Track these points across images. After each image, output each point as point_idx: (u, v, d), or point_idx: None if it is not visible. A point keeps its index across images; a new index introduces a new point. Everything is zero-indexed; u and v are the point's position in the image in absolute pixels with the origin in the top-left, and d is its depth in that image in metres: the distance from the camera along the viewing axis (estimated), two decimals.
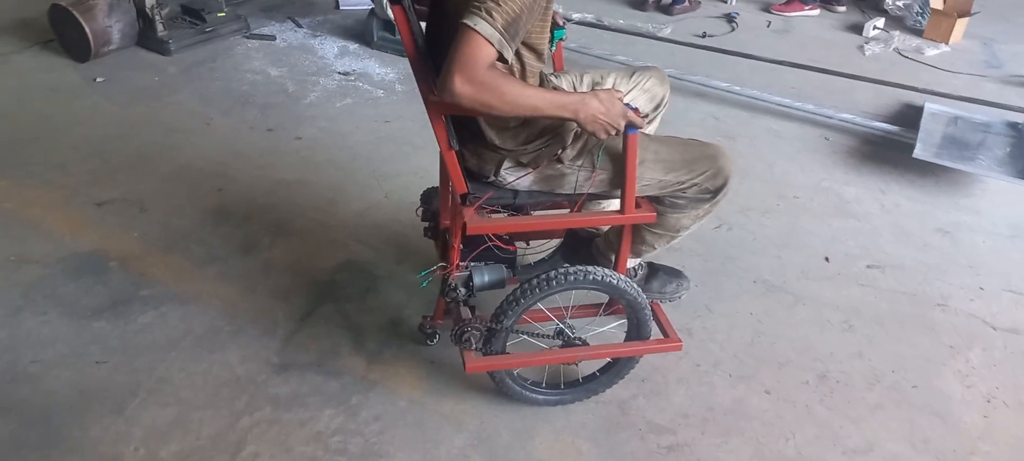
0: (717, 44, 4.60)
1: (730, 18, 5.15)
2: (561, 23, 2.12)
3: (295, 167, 3.24)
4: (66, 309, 2.42)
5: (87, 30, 3.98)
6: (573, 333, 2.06)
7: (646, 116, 2.20)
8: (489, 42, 1.53)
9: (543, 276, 1.90)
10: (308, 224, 2.86)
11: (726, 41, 4.75)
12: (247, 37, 4.59)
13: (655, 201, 1.97)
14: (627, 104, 1.75)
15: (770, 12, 5.33)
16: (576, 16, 4.96)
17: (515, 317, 1.95)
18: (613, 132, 1.74)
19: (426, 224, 2.29)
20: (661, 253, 2.15)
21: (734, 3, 5.46)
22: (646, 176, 1.89)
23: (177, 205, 2.94)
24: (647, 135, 1.99)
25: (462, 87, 1.55)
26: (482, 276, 1.98)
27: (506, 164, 1.89)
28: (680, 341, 2.12)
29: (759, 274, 2.70)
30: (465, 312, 2.00)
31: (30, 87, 3.88)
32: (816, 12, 5.33)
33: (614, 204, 1.98)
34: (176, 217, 2.88)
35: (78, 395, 2.12)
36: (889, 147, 3.57)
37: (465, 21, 1.53)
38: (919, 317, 2.54)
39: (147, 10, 4.22)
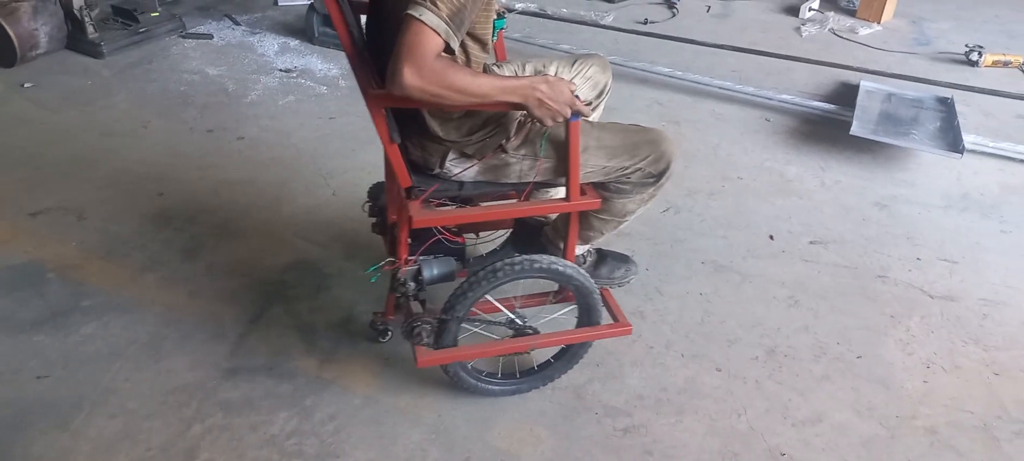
0: (659, 30, 4.66)
1: (670, 4, 5.21)
2: (502, 12, 2.11)
3: (238, 167, 3.17)
4: (2, 324, 2.33)
5: (11, 34, 3.83)
6: (524, 322, 2.07)
7: (589, 103, 2.21)
8: (436, 32, 1.53)
9: (491, 267, 1.90)
10: (254, 224, 2.81)
11: (668, 27, 4.82)
12: (183, 37, 4.47)
13: (600, 187, 1.98)
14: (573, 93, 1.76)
15: None
16: (519, 5, 4.97)
17: (465, 309, 1.94)
18: (560, 119, 1.74)
19: (374, 220, 2.27)
20: (609, 239, 2.17)
21: None
22: (590, 163, 1.90)
23: (116, 211, 2.85)
24: (589, 122, 2.00)
25: (412, 79, 1.53)
26: (431, 269, 1.97)
27: (451, 155, 1.88)
28: (630, 325, 2.14)
29: (707, 255, 2.75)
30: (415, 306, 1.98)
31: None
32: None
33: (560, 192, 1.99)
34: (115, 223, 2.79)
35: (19, 412, 2.05)
36: (827, 125, 3.67)
37: (410, 12, 1.52)
38: (861, 289, 2.62)
39: (75, 12, 4.08)
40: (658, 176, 1.97)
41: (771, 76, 4.15)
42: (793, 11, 5.18)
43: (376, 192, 2.28)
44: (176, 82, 3.93)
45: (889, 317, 2.51)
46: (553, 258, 1.95)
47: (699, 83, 3.99)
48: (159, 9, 4.49)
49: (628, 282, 2.38)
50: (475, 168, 1.90)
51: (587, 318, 2.09)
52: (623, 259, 2.39)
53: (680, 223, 2.92)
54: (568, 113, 1.73)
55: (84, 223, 2.79)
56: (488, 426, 2.06)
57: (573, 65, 2.20)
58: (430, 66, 1.54)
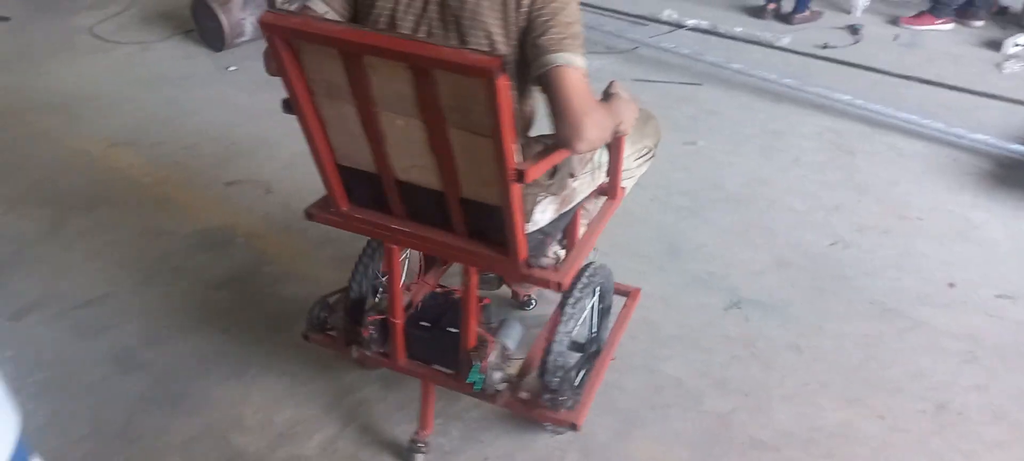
0: (838, 56, 4.43)
1: (853, 30, 4.94)
2: None
3: None
4: (197, 278, 2.60)
5: (223, 21, 4.25)
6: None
7: None
8: (586, 73, 1.46)
9: (571, 298, 1.82)
10: None
11: (848, 53, 4.57)
12: None
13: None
14: None
15: (898, 25, 5.08)
16: (691, 22, 4.90)
17: (561, 347, 1.79)
18: (629, 131, 1.76)
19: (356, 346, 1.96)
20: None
21: (859, 14, 5.24)
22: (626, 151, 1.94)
23: (298, 188, 3.09)
24: None
25: (593, 132, 1.44)
26: (512, 336, 1.91)
27: (538, 203, 1.71)
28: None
29: (873, 295, 2.59)
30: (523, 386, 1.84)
31: (166, 73, 4.17)
32: (949, 26, 5.03)
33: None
34: (297, 200, 3.02)
35: (202, 359, 2.28)
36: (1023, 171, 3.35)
37: (564, 63, 1.43)
38: None
39: (278, 4, 4.45)
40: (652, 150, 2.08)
41: (959, 113, 3.83)
42: (994, 45, 4.75)
43: (332, 308, 2.02)
44: None
45: None
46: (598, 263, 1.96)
47: (880, 114, 3.75)
48: None
49: None
50: (553, 206, 1.76)
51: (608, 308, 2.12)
52: None
53: (846, 259, 2.77)
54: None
55: (270, 196, 3.06)
56: (627, 439, 2.06)
57: None
58: (600, 113, 1.49)
